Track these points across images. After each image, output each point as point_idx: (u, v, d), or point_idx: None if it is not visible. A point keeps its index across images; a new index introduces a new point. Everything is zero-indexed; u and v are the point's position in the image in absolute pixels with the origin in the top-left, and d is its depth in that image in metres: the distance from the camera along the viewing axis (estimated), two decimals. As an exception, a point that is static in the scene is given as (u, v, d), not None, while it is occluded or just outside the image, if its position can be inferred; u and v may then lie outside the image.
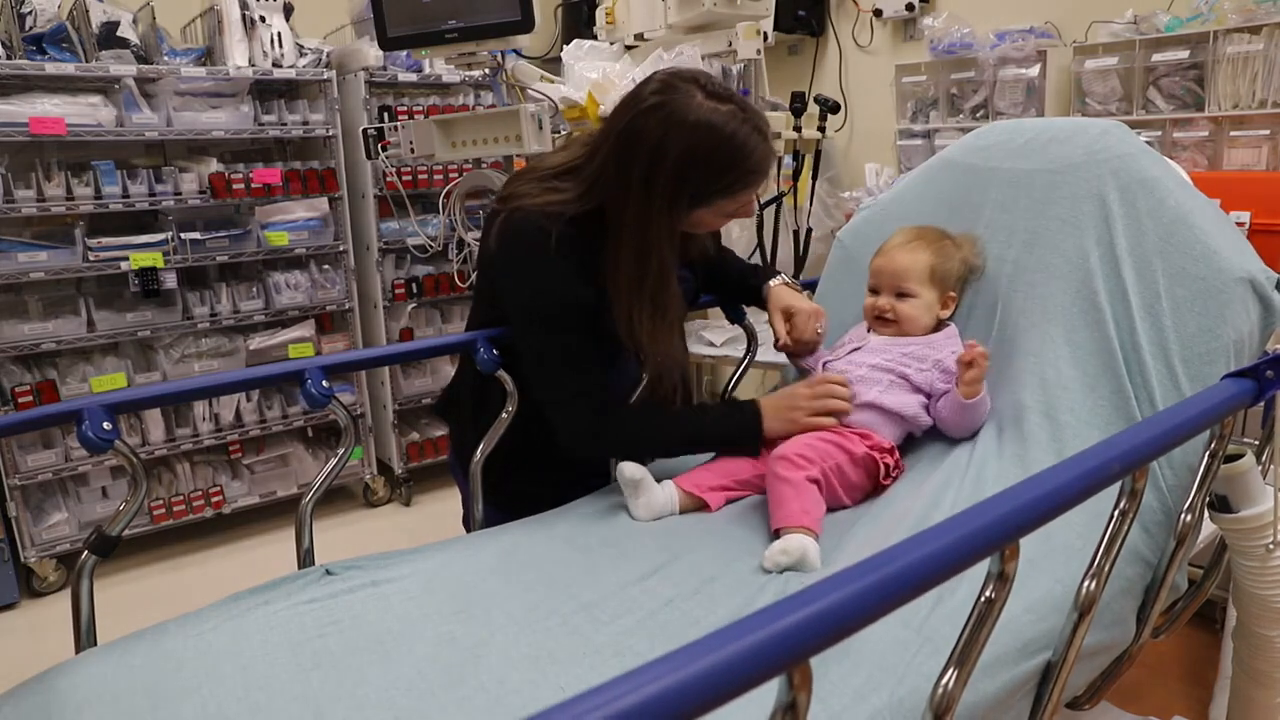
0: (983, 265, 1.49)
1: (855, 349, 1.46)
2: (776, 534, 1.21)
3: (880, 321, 1.47)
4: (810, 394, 1.38)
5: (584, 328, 1.32)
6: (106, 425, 1.12)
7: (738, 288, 1.66)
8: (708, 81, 1.26)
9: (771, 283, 1.60)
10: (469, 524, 1.54)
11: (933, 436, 1.42)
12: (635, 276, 1.30)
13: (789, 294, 1.57)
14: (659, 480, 1.35)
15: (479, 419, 1.46)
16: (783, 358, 1.63)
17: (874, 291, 1.49)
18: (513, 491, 1.47)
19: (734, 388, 1.79)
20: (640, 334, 1.32)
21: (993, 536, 0.74)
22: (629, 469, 1.32)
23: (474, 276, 1.60)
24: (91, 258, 2.67)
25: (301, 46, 3.01)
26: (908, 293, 1.44)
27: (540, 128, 2.09)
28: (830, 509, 1.29)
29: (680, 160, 1.23)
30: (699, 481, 1.36)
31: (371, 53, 2.99)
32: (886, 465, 1.34)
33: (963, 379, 1.32)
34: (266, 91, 3.02)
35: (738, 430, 1.40)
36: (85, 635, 1.14)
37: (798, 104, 2.34)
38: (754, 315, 1.72)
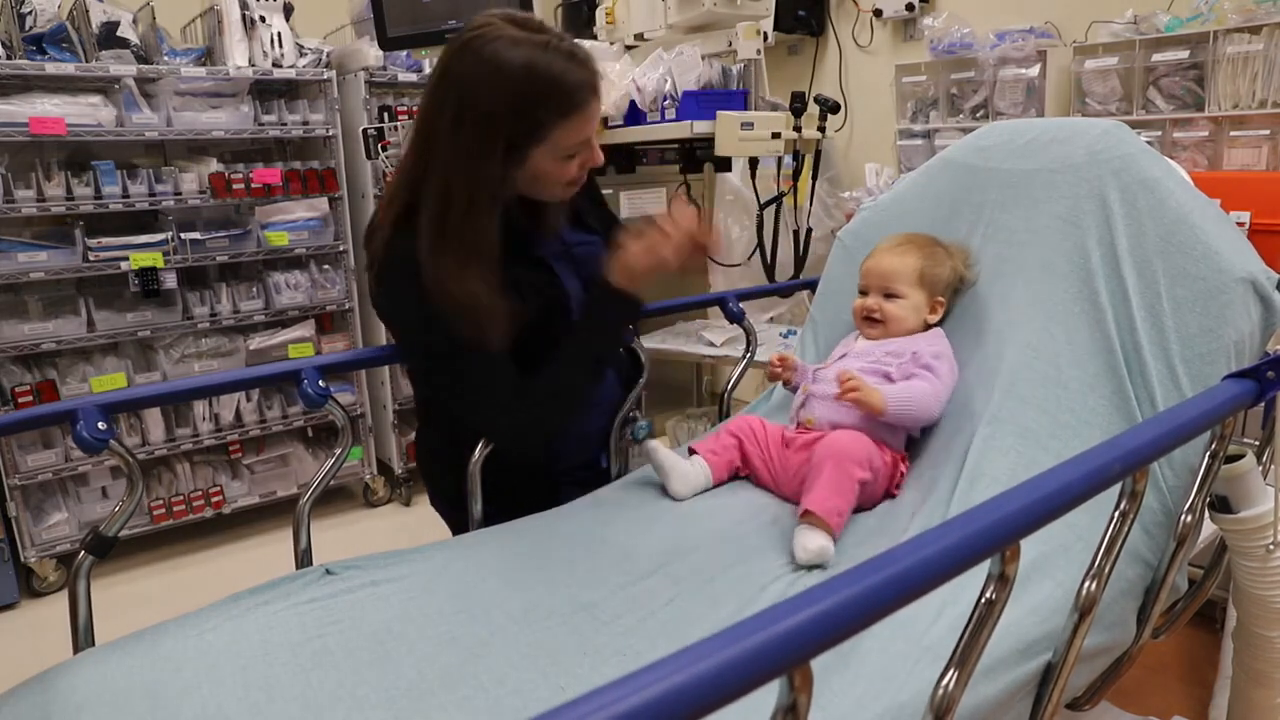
0: (974, 277, 1.49)
1: (843, 355, 1.47)
2: (805, 514, 1.21)
3: (868, 322, 1.48)
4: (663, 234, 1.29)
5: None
6: (101, 425, 1.12)
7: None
8: (520, 19, 1.22)
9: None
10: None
11: (930, 431, 1.41)
12: (436, 212, 1.21)
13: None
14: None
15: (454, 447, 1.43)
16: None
17: (863, 293, 1.50)
18: (508, 500, 1.45)
19: (734, 388, 1.79)
20: (443, 274, 1.21)
21: (993, 538, 0.74)
22: (655, 447, 1.37)
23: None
24: (91, 258, 2.67)
25: (301, 46, 3.01)
26: (895, 294, 1.45)
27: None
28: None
29: (493, 98, 1.17)
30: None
31: (371, 53, 2.99)
32: (902, 473, 1.36)
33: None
34: (266, 91, 3.02)
35: (615, 314, 1.33)
36: (83, 636, 1.14)
37: (798, 104, 2.34)
38: (753, 315, 1.72)
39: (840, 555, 1.19)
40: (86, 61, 2.64)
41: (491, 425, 1.35)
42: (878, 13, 2.98)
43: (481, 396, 1.30)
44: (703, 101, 2.34)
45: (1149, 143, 1.50)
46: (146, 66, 2.69)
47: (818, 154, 2.64)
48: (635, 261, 1.30)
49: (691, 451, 1.43)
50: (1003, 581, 0.78)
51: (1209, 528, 1.28)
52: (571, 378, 1.33)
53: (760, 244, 2.58)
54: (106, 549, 1.15)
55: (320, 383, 1.31)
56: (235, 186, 2.84)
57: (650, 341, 1.82)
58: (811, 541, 1.17)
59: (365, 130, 2.60)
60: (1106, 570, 0.96)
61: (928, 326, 1.47)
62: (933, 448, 1.40)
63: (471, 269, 1.22)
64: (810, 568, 1.16)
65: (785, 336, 2.63)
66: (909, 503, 1.31)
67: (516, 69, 1.18)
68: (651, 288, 1.37)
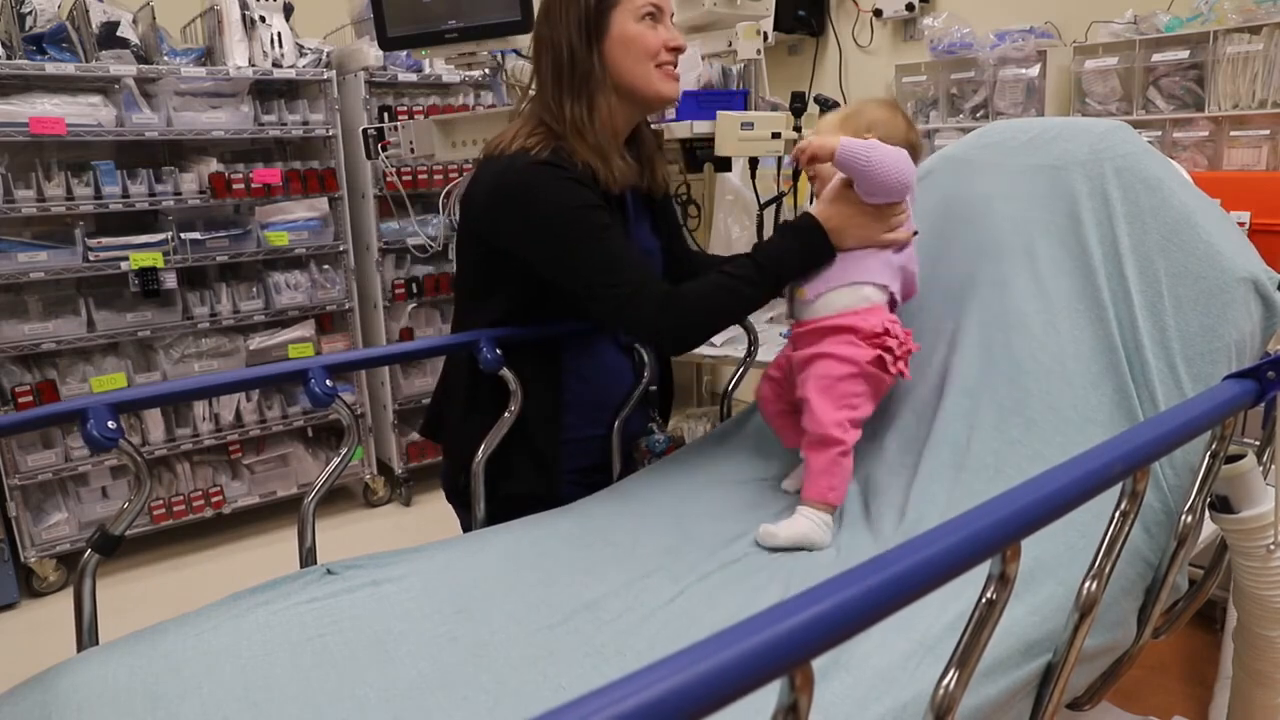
0: (917, 141, 1.42)
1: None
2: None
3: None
4: (880, 216, 1.32)
5: (612, 223, 1.33)
6: (111, 424, 1.12)
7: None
8: None
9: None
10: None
11: (923, 405, 1.39)
12: (554, 74, 1.36)
13: None
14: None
15: (470, 418, 1.45)
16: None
17: None
18: (507, 497, 1.45)
19: (734, 388, 1.78)
20: (579, 118, 1.34)
21: (994, 538, 0.74)
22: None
23: (456, 253, 1.54)
24: (91, 258, 2.67)
25: (301, 46, 3.01)
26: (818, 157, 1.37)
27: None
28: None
29: None
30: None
31: (371, 53, 2.99)
32: (907, 348, 1.31)
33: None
34: (266, 91, 3.02)
35: (811, 256, 1.33)
36: (87, 634, 1.14)
37: (798, 104, 2.33)
38: (754, 315, 1.71)
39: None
40: (86, 61, 2.64)
41: (631, 307, 1.30)
42: (878, 13, 2.98)
43: (621, 281, 1.30)
44: (703, 101, 2.34)
45: (1149, 143, 1.50)
46: (146, 66, 2.69)
47: (818, 154, 2.64)
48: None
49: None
50: (1003, 581, 0.78)
51: (1209, 527, 1.27)
52: (736, 295, 1.34)
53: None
54: (113, 547, 1.15)
55: (328, 382, 1.31)
56: (235, 186, 2.84)
57: (650, 341, 1.83)
58: (785, 530, 1.22)
59: (365, 130, 2.60)
60: (1107, 570, 0.96)
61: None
62: (928, 420, 1.37)
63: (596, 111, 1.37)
64: (793, 548, 1.21)
65: (785, 336, 2.62)
66: (900, 486, 1.31)
67: None
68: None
